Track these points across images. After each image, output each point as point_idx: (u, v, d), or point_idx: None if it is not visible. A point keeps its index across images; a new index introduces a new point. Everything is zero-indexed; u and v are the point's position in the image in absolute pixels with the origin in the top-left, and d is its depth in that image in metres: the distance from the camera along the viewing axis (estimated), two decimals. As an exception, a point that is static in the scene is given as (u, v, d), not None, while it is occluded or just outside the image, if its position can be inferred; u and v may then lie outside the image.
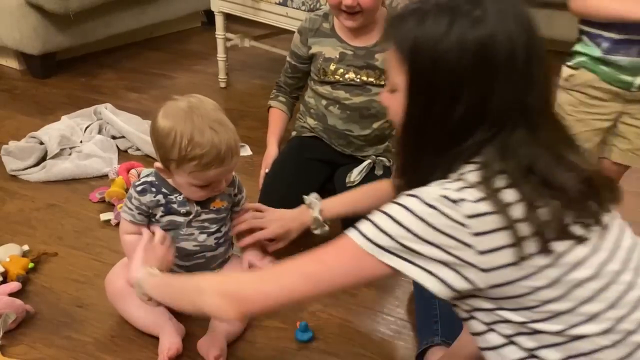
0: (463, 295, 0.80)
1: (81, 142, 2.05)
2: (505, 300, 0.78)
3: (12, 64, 2.86)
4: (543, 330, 0.78)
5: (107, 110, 2.23)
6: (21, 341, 1.24)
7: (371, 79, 1.64)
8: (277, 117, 1.82)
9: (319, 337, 1.29)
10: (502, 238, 0.74)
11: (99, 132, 2.13)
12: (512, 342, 0.81)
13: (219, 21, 2.54)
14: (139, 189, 1.23)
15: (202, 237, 1.27)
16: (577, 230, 0.76)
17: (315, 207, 1.34)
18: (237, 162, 1.19)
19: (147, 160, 1.98)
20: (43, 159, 1.94)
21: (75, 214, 1.71)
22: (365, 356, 1.25)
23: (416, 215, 0.76)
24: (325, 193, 1.73)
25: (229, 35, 2.64)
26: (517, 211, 0.74)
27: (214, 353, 1.17)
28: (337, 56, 1.64)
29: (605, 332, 0.76)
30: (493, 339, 0.83)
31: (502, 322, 0.81)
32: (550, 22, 3.17)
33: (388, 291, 1.45)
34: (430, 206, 0.75)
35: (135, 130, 2.08)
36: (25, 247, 1.51)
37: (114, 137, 2.12)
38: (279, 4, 2.26)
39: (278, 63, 3.08)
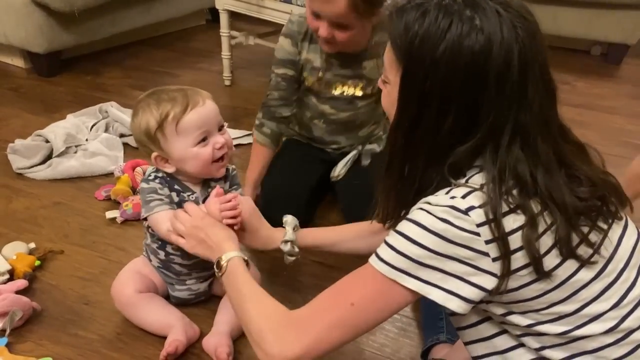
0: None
1: (87, 140, 2.06)
2: (515, 304, 0.78)
3: (18, 62, 2.87)
4: (547, 332, 0.78)
5: (113, 108, 2.24)
6: (28, 338, 1.24)
7: (359, 93, 1.56)
8: (258, 154, 1.61)
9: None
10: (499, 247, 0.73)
11: (106, 130, 2.14)
12: (521, 344, 0.82)
13: (224, 19, 2.54)
14: (152, 177, 1.20)
15: None
16: (580, 250, 0.75)
17: (289, 227, 1.20)
18: (216, 110, 1.17)
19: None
20: (49, 157, 1.95)
21: (81, 212, 1.72)
22: (370, 353, 1.25)
23: (430, 231, 0.74)
24: (325, 191, 1.74)
25: (234, 33, 2.64)
26: (515, 220, 0.72)
27: (224, 351, 1.17)
28: (324, 65, 1.52)
29: (609, 330, 0.77)
30: (500, 342, 0.83)
31: (510, 325, 0.81)
32: (555, 18, 3.16)
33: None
34: (442, 220, 0.73)
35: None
36: (32, 245, 1.51)
37: (122, 135, 2.12)
38: (284, 1, 2.26)
39: (282, 60, 3.10)
